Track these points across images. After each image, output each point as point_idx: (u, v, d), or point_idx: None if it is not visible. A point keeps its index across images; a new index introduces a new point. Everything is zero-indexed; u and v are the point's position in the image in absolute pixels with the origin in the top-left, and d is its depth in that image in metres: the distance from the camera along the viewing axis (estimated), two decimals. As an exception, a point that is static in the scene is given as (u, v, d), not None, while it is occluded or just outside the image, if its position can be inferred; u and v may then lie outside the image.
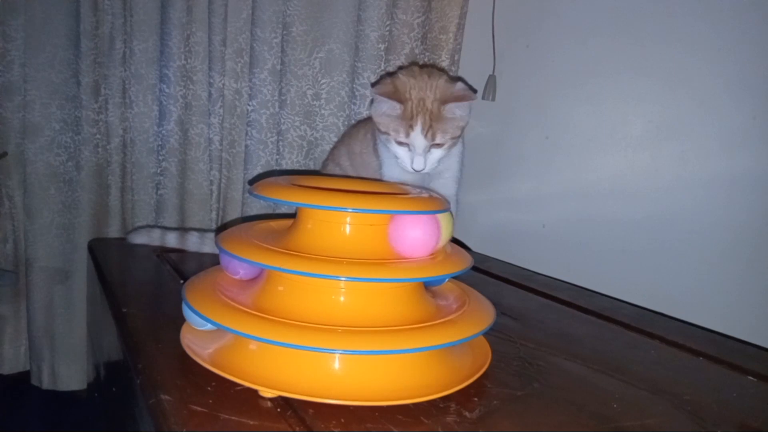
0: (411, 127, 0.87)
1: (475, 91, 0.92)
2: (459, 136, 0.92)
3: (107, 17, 1.25)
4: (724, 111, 0.96)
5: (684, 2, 1.00)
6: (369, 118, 1.05)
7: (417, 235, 0.59)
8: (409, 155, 0.89)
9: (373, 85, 1.10)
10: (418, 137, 0.87)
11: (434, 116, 0.87)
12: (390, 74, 1.00)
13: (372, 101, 0.96)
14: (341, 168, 1.06)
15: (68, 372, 1.32)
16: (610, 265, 1.11)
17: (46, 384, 1.32)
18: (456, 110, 0.89)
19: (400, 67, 1.12)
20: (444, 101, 0.89)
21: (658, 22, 1.04)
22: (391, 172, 0.96)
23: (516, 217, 1.31)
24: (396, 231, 0.60)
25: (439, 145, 0.89)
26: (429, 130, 0.87)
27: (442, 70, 0.98)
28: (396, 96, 0.89)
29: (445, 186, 0.98)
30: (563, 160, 1.20)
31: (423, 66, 1.09)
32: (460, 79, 0.99)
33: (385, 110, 0.90)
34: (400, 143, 0.90)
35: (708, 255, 0.98)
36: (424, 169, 0.89)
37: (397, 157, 0.91)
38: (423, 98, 0.88)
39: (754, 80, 0.92)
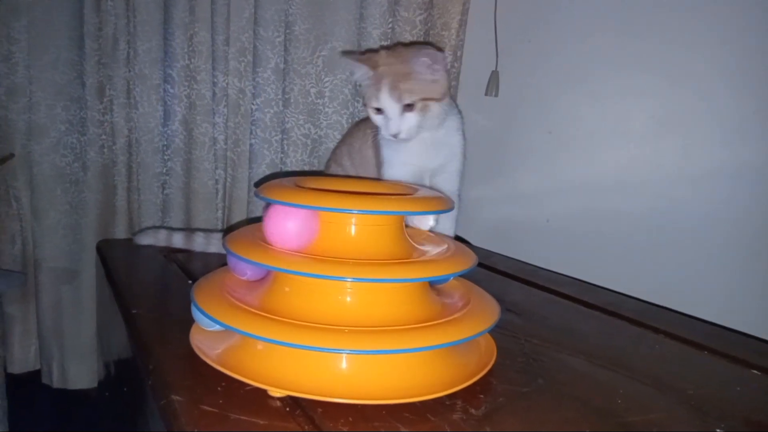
0: (379, 90, 0.89)
1: (441, 50, 0.92)
2: (434, 99, 0.91)
3: (110, 18, 1.25)
4: (726, 105, 0.96)
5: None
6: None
7: (291, 227, 0.59)
8: (385, 122, 0.91)
9: (343, 53, 1.15)
10: (386, 99, 0.89)
11: (399, 76, 0.89)
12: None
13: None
14: (343, 168, 1.06)
15: (78, 371, 1.33)
16: (614, 259, 1.11)
17: (57, 383, 1.33)
18: (416, 66, 0.89)
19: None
20: (407, 60, 0.90)
21: (660, 17, 1.04)
22: (391, 171, 0.96)
23: (519, 212, 1.32)
24: (270, 221, 0.60)
25: (410, 107, 0.89)
26: (395, 90, 0.88)
27: (439, 49, 0.98)
28: (366, 62, 0.92)
29: (449, 181, 0.98)
30: (566, 155, 1.21)
31: (411, 44, 1.10)
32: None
33: (359, 77, 0.94)
34: (377, 110, 0.91)
35: (711, 248, 0.98)
36: (401, 134, 0.89)
37: (380, 128, 0.93)
38: (392, 63, 0.91)
39: (756, 74, 0.92)
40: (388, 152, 0.97)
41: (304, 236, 0.59)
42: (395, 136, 0.90)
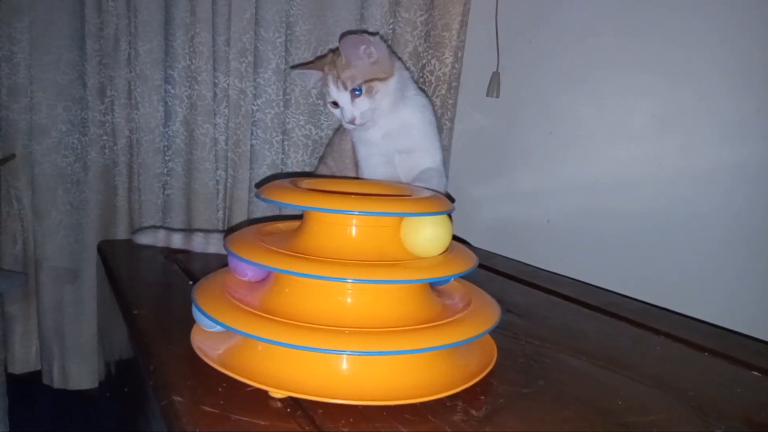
0: (327, 85, 0.96)
1: (372, 33, 0.98)
2: (378, 80, 0.95)
3: (111, 18, 1.25)
4: (727, 104, 0.96)
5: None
6: None
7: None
8: (341, 111, 0.96)
9: (292, 68, 1.22)
10: (334, 91, 0.95)
11: (339, 68, 0.94)
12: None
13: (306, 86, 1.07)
14: (327, 167, 1.10)
15: (78, 371, 1.33)
16: (615, 259, 1.11)
17: (57, 383, 1.33)
18: (349, 53, 0.94)
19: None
20: (341, 53, 0.95)
21: (660, 16, 1.04)
22: (367, 165, 1.01)
23: (520, 212, 1.32)
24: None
25: (356, 94, 0.94)
26: (339, 80, 0.94)
27: (371, 33, 1.04)
28: (313, 67, 1.00)
29: (425, 158, 1.01)
30: (567, 155, 1.21)
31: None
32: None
33: (314, 81, 1.01)
34: (334, 104, 0.97)
35: (712, 248, 0.98)
36: (357, 120, 0.94)
37: (341, 121, 0.98)
38: (331, 60, 0.97)
39: (757, 73, 0.92)
40: (360, 148, 1.02)
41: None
42: (352, 122, 0.95)
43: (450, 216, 0.63)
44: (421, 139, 1.00)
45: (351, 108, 0.95)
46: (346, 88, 0.94)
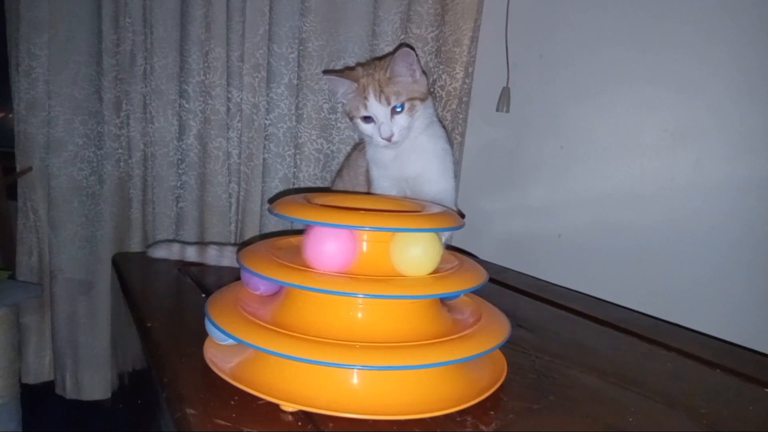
0: (366, 98, 0.93)
1: (412, 48, 0.95)
2: (418, 99, 0.94)
3: (128, 35, 1.28)
4: (739, 118, 0.96)
5: (696, 10, 1.01)
6: None
7: (331, 249, 0.59)
8: (376, 128, 0.93)
9: (324, 73, 1.19)
10: (374, 105, 0.92)
11: (383, 82, 0.92)
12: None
13: (331, 93, 1.04)
14: (342, 180, 1.09)
15: (91, 382, 1.34)
16: (626, 274, 1.11)
17: (70, 393, 1.35)
18: (397, 68, 0.92)
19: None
20: (385, 67, 0.94)
21: (671, 30, 1.04)
22: (376, 187, 1.00)
23: (531, 226, 1.32)
24: (310, 245, 0.60)
25: (398, 110, 0.92)
26: (382, 95, 0.91)
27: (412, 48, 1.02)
28: (348, 76, 0.96)
29: (431, 185, 0.98)
30: (578, 169, 1.21)
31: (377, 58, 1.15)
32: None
33: (343, 92, 0.97)
34: (365, 119, 0.94)
35: (724, 262, 0.98)
36: (393, 137, 0.92)
37: (370, 137, 0.95)
38: (372, 73, 0.95)
39: (768, 88, 0.92)
40: (372, 168, 1.00)
41: (345, 257, 0.60)
42: (389, 139, 0.92)
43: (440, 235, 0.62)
44: (432, 166, 0.98)
45: (390, 125, 0.92)
46: (388, 104, 0.92)
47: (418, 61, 0.94)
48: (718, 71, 0.98)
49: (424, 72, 0.97)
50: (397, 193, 0.98)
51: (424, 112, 0.95)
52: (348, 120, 1.00)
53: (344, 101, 0.98)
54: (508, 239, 1.35)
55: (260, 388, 0.54)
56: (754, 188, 0.94)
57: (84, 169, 1.31)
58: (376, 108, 0.92)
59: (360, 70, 0.98)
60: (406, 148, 0.96)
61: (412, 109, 0.93)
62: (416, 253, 0.59)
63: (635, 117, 1.10)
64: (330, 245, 0.59)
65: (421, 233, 0.60)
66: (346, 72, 0.99)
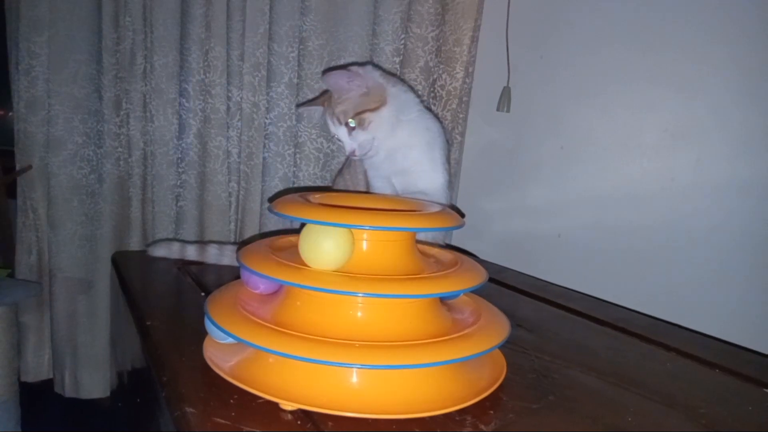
0: (326, 121, 0.99)
1: (361, 64, 1.00)
2: (369, 111, 0.95)
3: (128, 33, 1.28)
4: (739, 119, 0.96)
5: (696, 11, 1.01)
6: None
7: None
8: (342, 144, 0.99)
9: (297, 106, 1.29)
10: (332, 126, 0.98)
11: (333, 103, 0.97)
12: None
13: None
14: (344, 179, 1.10)
15: (90, 380, 1.34)
16: (625, 274, 1.11)
17: (69, 392, 1.35)
18: (336, 89, 0.96)
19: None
20: (329, 89, 0.98)
21: (671, 30, 1.04)
22: (372, 187, 1.03)
23: (531, 226, 1.32)
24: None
25: (352, 127, 0.95)
26: (333, 116, 0.96)
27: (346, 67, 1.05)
28: (316, 103, 1.03)
29: (420, 180, 0.99)
30: (578, 169, 1.21)
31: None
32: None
33: (317, 118, 1.04)
34: (338, 140, 0.99)
35: (723, 263, 0.98)
36: (356, 151, 0.96)
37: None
38: (329, 97, 0.99)
39: (768, 89, 0.92)
40: (368, 169, 1.03)
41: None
42: (352, 154, 0.97)
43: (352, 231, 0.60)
44: (419, 161, 0.99)
45: (349, 141, 0.96)
46: (341, 123, 0.95)
47: (358, 74, 0.95)
48: (718, 71, 0.98)
49: (392, 75, 1.01)
50: (391, 192, 0.99)
51: (380, 120, 0.95)
52: None
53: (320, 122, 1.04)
54: (508, 239, 1.36)
55: (260, 387, 0.54)
56: (754, 188, 0.94)
57: (84, 168, 1.31)
58: (334, 128, 0.98)
59: (323, 97, 1.02)
60: (390, 146, 0.97)
61: (362, 123, 0.95)
62: (328, 246, 0.58)
63: (635, 117, 1.10)
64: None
65: (332, 227, 0.58)
66: (318, 98, 1.05)
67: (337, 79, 0.94)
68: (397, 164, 0.99)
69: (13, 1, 1.27)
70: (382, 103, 0.96)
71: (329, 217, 0.59)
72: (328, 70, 0.99)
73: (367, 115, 0.95)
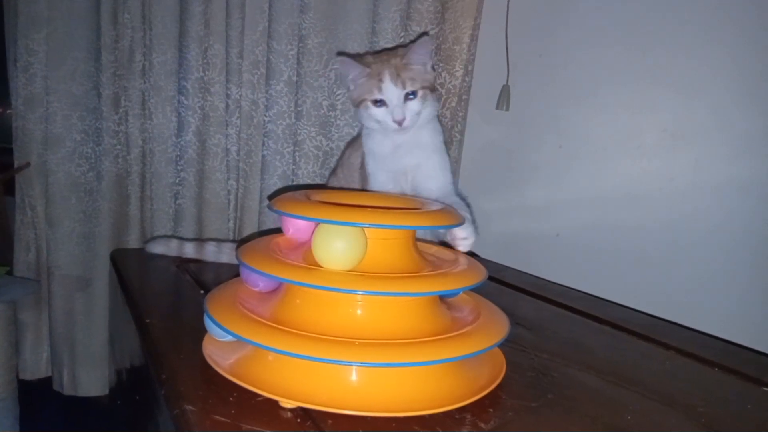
0: (381, 80, 0.93)
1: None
2: (430, 88, 0.96)
3: (127, 31, 1.27)
4: (738, 119, 0.96)
5: (696, 11, 1.01)
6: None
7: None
8: (388, 111, 0.93)
9: (338, 55, 1.18)
10: (389, 87, 0.92)
11: (399, 67, 0.93)
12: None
13: (339, 77, 1.05)
14: (337, 177, 1.10)
15: (89, 378, 1.34)
16: (624, 273, 1.11)
17: (67, 390, 1.34)
18: (414, 56, 0.94)
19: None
20: (403, 54, 0.95)
21: (671, 30, 1.04)
22: (373, 182, 0.99)
23: (530, 225, 1.32)
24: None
25: (412, 95, 0.93)
26: (398, 79, 0.92)
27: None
28: (360, 61, 0.97)
29: (433, 178, 0.98)
30: (577, 168, 1.21)
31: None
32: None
33: (354, 76, 0.97)
34: (376, 103, 0.94)
35: (722, 262, 0.98)
36: (405, 121, 0.92)
37: (378, 121, 0.95)
38: (386, 59, 0.96)
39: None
40: (370, 161, 1.00)
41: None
42: (400, 122, 0.92)
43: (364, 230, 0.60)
44: (432, 161, 0.99)
45: (403, 108, 0.93)
46: (403, 88, 0.92)
47: (433, 53, 0.95)
48: (718, 71, 0.98)
49: (433, 67, 0.99)
50: (393, 188, 0.98)
51: (432, 104, 0.96)
52: (354, 106, 1.00)
53: (352, 86, 0.98)
54: (507, 238, 1.36)
55: (259, 385, 0.54)
56: (754, 189, 0.94)
57: (82, 165, 1.31)
58: (391, 91, 0.92)
59: (370, 57, 0.99)
60: (407, 139, 0.97)
61: (424, 97, 0.94)
62: (340, 246, 0.58)
63: (635, 117, 1.10)
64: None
65: (345, 227, 0.58)
66: (363, 59, 0.99)
67: (425, 47, 0.94)
68: (409, 159, 0.98)
69: (11, -3, 1.27)
70: (434, 89, 0.98)
71: (327, 214, 0.59)
72: (423, 35, 1.00)
73: (427, 92, 0.95)
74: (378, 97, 0.93)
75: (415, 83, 0.93)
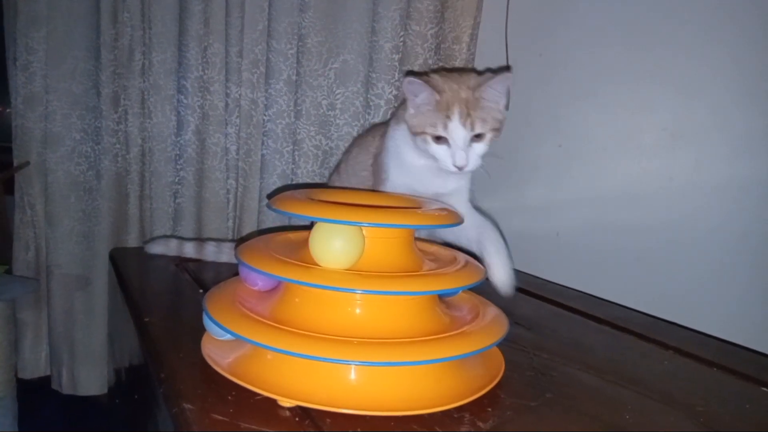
0: (448, 117, 0.82)
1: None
2: (499, 130, 0.86)
3: (126, 29, 1.27)
4: (739, 118, 0.96)
5: (696, 11, 1.00)
6: (374, 128, 1.07)
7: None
8: (450, 152, 0.83)
9: (407, 75, 0.95)
10: (457, 128, 0.81)
11: (471, 104, 0.82)
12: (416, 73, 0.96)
13: (400, 104, 0.92)
14: (339, 176, 1.07)
15: (88, 377, 1.34)
16: (624, 273, 1.11)
17: (66, 389, 1.34)
18: (490, 93, 0.83)
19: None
20: (477, 86, 0.83)
21: (671, 30, 1.04)
22: (393, 183, 0.93)
23: (529, 224, 1.32)
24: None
25: (480, 137, 0.83)
26: (468, 119, 0.81)
27: (474, 70, 0.92)
28: (430, 82, 0.84)
29: (457, 203, 0.90)
30: (576, 168, 1.21)
31: (451, 69, 1.04)
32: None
33: (421, 101, 0.84)
34: (438, 139, 0.83)
35: (722, 262, 0.98)
36: (466, 167, 0.83)
37: (436, 159, 0.85)
38: (457, 89, 0.84)
39: (768, 88, 0.92)
40: (392, 170, 0.92)
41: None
42: (461, 168, 0.83)
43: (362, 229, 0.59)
44: (459, 188, 0.93)
45: (466, 153, 0.82)
46: (472, 129, 0.82)
47: (509, 91, 0.84)
48: (718, 71, 0.98)
49: (506, 106, 0.88)
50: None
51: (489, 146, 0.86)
52: (410, 131, 0.87)
53: (413, 110, 0.86)
54: (506, 237, 1.35)
55: (258, 384, 0.54)
56: (754, 188, 0.94)
57: (81, 164, 1.31)
58: (458, 132, 0.81)
59: (440, 80, 0.86)
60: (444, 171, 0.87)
61: (491, 139, 0.84)
62: (336, 245, 0.58)
63: (634, 116, 1.10)
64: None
65: (342, 225, 0.58)
66: (430, 76, 0.87)
67: (503, 83, 0.83)
68: (446, 184, 0.91)
69: (11, -4, 1.27)
70: (502, 129, 0.86)
71: (326, 213, 0.59)
72: (504, 70, 0.85)
73: (496, 134, 0.85)
74: (441, 134, 0.82)
75: (486, 125, 0.82)
